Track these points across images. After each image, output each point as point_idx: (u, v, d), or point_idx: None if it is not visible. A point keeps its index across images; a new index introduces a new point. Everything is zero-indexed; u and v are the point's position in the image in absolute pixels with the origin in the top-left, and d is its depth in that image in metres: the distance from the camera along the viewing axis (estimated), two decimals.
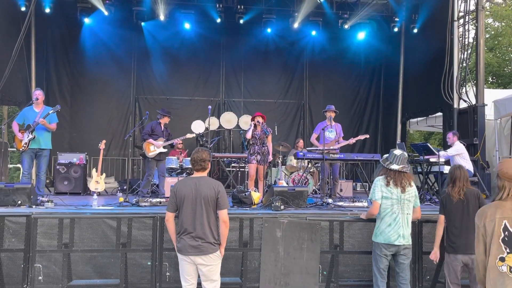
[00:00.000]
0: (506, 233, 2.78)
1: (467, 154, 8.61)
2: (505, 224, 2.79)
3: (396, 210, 4.61)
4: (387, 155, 4.83)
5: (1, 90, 9.50)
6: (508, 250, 2.77)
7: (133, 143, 12.06)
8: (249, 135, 8.18)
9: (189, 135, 8.95)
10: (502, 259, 2.77)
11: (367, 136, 9.31)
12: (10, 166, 11.48)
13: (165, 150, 8.64)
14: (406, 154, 4.78)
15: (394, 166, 4.67)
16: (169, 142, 8.64)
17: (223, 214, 4.20)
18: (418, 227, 5.57)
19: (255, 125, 8.20)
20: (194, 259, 4.13)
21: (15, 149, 8.19)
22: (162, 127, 8.65)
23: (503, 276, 2.75)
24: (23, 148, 7.45)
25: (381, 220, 4.67)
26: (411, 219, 4.74)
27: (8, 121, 9.45)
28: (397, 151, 4.76)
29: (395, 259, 4.71)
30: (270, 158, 8.41)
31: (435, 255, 4.84)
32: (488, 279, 2.78)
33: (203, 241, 4.10)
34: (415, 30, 12.43)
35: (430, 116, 12.57)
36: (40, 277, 5.16)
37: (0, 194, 5.92)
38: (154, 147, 8.40)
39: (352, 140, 8.88)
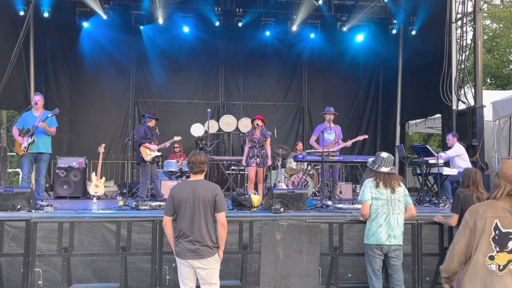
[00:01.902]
0: (497, 232, 2.82)
1: (467, 155, 8.63)
2: (496, 223, 2.83)
3: (386, 210, 4.69)
4: (374, 158, 4.92)
5: (0, 94, 9.50)
6: (498, 249, 2.81)
7: (132, 146, 12.06)
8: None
9: (176, 138, 9.03)
10: (492, 258, 2.81)
11: (366, 136, 9.32)
12: (10, 170, 11.47)
13: (160, 153, 8.76)
14: (392, 156, 4.90)
15: (384, 169, 4.80)
16: (162, 146, 8.78)
17: (221, 216, 4.18)
18: (418, 228, 5.57)
19: (254, 128, 8.20)
20: (192, 263, 4.11)
21: (14, 154, 8.19)
22: (151, 131, 8.76)
23: (491, 274, 2.80)
24: (22, 152, 7.46)
25: (372, 221, 4.75)
26: (404, 218, 4.79)
27: (8, 125, 9.47)
28: (384, 154, 4.89)
29: (387, 261, 4.75)
30: (269, 162, 8.41)
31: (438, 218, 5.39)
32: (477, 277, 2.82)
33: (201, 245, 4.09)
34: (413, 32, 12.46)
35: (429, 117, 12.61)
36: (40, 282, 5.15)
37: None
38: (150, 151, 8.47)
39: (350, 142, 8.87)
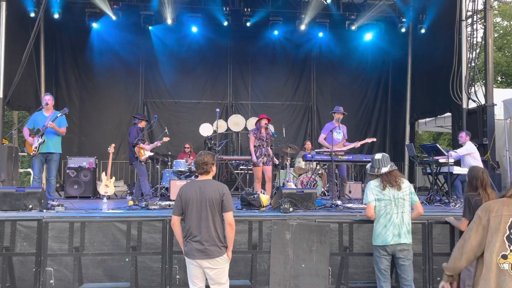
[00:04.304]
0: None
1: (478, 154, 8.55)
2: (511, 221, 2.78)
3: (389, 210, 4.65)
4: (370, 163, 4.90)
5: (11, 95, 9.59)
6: (511, 248, 2.76)
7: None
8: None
9: (165, 139, 9.10)
10: (505, 257, 2.77)
11: (374, 139, 9.27)
12: (21, 170, 11.58)
13: (152, 153, 8.90)
14: (386, 154, 4.88)
15: (384, 169, 4.75)
16: (153, 146, 8.92)
17: (229, 216, 4.17)
18: (428, 228, 5.54)
19: (261, 127, 8.27)
20: (200, 263, 4.11)
21: (25, 154, 8.27)
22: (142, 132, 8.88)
23: (504, 273, 2.76)
24: (33, 152, 7.53)
25: (377, 222, 4.72)
26: (410, 217, 4.74)
27: (19, 126, 9.55)
28: (378, 155, 4.86)
29: (396, 261, 4.72)
30: (276, 161, 8.53)
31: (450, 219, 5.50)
32: (490, 277, 2.78)
33: (209, 245, 4.08)
34: (423, 31, 12.38)
35: (439, 116, 12.52)
36: (51, 281, 5.19)
37: (11, 199, 5.98)
38: (144, 151, 8.59)
39: (358, 143, 8.82)
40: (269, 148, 8.25)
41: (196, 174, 9.50)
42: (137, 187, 8.50)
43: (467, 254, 2.89)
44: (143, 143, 8.61)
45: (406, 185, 4.77)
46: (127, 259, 5.33)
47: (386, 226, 4.64)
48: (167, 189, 9.38)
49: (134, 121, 9.05)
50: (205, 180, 4.27)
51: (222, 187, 4.22)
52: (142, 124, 8.92)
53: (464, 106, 10.22)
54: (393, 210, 4.64)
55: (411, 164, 12.83)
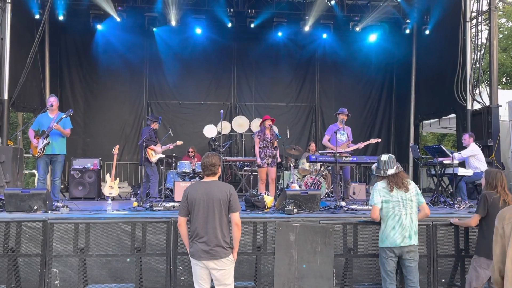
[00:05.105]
0: None
1: (482, 155, 8.52)
2: None
3: (398, 212, 4.64)
4: (376, 164, 4.88)
5: (16, 97, 9.64)
6: None
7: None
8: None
9: (178, 142, 9.20)
10: None
11: (379, 140, 9.25)
12: (26, 171, 11.63)
13: (163, 155, 8.92)
14: (392, 155, 4.85)
15: (390, 171, 4.74)
16: (166, 148, 8.97)
17: (235, 217, 4.19)
18: (433, 229, 5.52)
19: (265, 128, 8.29)
20: (206, 264, 4.12)
21: (30, 155, 8.31)
22: (155, 133, 8.90)
23: None
24: (38, 154, 7.56)
25: (385, 224, 4.70)
26: (417, 218, 4.74)
27: (24, 127, 9.60)
28: (384, 156, 4.84)
29: (402, 263, 4.71)
30: (279, 159, 8.56)
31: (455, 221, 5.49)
32: (507, 284, 2.76)
33: (215, 246, 4.09)
34: (427, 32, 12.36)
35: (443, 117, 12.48)
36: (56, 282, 5.20)
37: (16, 200, 5.99)
38: (155, 153, 8.60)
39: (362, 144, 8.79)
40: (273, 149, 8.27)
41: (200, 175, 9.58)
42: (142, 188, 8.53)
43: (497, 265, 2.87)
44: (155, 145, 8.62)
45: (412, 186, 4.78)
46: (128, 259, 5.34)
47: (395, 227, 4.63)
48: (171, 190, 9.38)
49: (147, 122, 9.13)
50: (211, 181, 4.28)
51: (229, 188, 4.24)
52: (155, 125, 8.95)
53: (469, 107, 10.19)
54: (401, 211, 4.64)
55: (416, 166, 12.78)
